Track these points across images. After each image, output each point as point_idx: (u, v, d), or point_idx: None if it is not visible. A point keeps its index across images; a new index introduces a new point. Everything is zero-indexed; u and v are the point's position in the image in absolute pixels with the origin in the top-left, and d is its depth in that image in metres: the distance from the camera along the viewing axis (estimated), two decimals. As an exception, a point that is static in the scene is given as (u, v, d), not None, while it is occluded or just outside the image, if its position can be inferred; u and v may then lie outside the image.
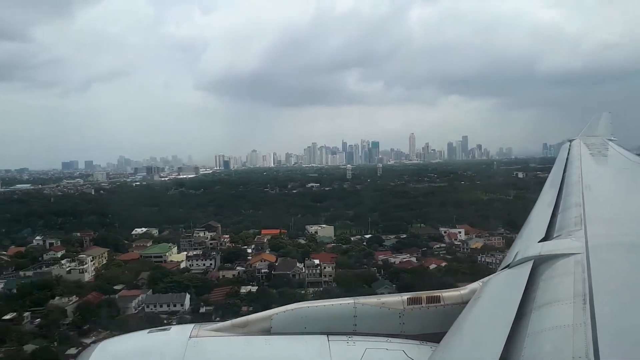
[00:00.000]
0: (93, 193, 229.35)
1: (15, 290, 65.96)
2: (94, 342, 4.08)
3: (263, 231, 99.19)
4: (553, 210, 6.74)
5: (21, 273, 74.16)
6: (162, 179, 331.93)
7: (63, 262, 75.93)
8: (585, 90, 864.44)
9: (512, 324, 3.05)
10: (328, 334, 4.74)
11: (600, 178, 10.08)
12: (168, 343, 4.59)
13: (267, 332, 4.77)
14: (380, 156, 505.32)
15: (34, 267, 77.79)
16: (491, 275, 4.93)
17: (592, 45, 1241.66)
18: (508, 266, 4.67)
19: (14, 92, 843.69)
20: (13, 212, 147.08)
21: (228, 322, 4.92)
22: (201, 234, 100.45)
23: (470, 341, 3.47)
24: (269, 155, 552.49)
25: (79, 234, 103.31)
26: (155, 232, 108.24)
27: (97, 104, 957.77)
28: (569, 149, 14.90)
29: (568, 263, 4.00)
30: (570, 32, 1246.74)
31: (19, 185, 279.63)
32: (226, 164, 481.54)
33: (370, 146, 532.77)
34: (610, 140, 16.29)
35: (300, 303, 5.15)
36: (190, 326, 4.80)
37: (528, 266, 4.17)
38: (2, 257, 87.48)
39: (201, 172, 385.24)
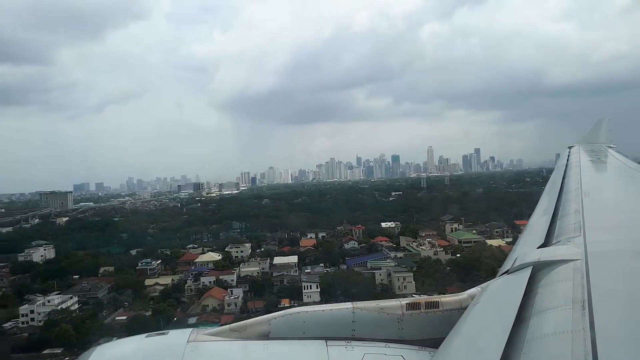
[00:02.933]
0: (179, 206, 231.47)
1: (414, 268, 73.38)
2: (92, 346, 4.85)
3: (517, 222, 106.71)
4: (552, 217, 6.66)
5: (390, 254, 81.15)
6: (209, 195, 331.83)
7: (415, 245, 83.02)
8: (594, 101, 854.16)
9: (511, 329, 3.06)
10: (326, 339, 4.75)
11: (599, 185, 9.92)
12: (166, 347, 4.61)
13: (266, 336, 4.81)
14: (401, 169, 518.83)
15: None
16: (490, 281, 4.95)
17: (601, 57, 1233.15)
18: (507, 272, 4.65)
19: (27, 115, 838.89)
20: (169, 222, 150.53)
21: (226, 327, 4.96)
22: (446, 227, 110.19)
23: (469, 347, 3.45)
24: (285, 171, 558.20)
25: (342, 227, 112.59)
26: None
27: (108, 126, 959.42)
28: (568, 156, 14.67)
29: (567, 269, 4.00)
30: (578, 44, 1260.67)
31: (82, 204, 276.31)
32: (253, 180, 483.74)
33: (391, 160, 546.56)
34: (610, 147, 16.07)
35: (299, 308, 5.20)
36: (188, 330, 4.84)
37: (527, 272, 4.17)
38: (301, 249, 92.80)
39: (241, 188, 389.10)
